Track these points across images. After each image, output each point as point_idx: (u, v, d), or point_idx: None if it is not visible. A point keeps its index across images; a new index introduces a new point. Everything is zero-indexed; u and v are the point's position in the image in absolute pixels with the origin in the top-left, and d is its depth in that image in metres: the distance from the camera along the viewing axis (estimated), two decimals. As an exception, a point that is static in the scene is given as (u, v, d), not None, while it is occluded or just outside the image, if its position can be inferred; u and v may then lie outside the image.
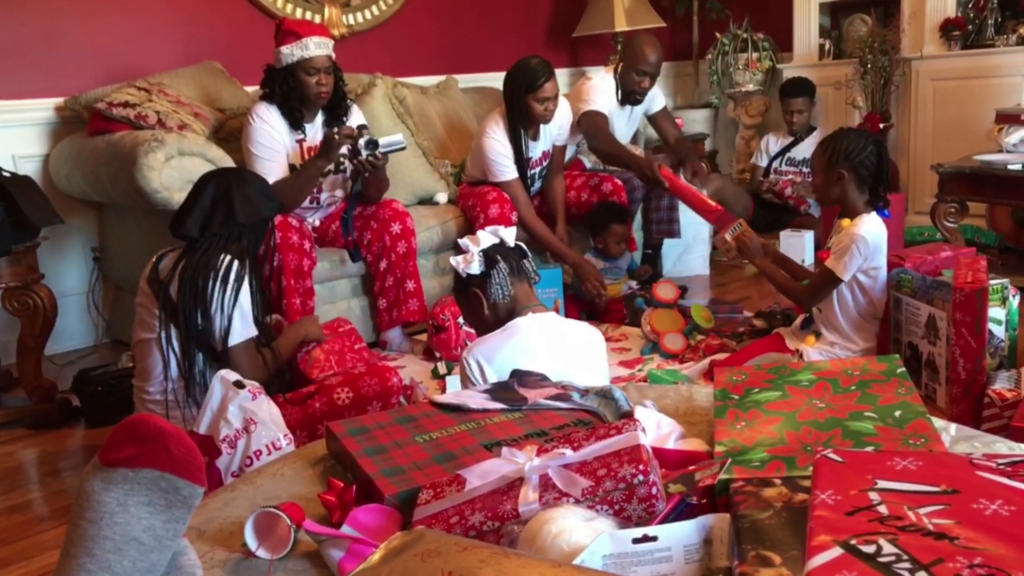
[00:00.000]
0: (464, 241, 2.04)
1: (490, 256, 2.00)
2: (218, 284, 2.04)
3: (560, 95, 3.54)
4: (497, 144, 3.48)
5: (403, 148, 3.03)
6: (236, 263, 2.09)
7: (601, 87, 3.79)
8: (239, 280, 2.08)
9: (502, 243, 2.04)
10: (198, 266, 2.04)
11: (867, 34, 4.79)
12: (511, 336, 1.94)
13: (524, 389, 1.46)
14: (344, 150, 2.96)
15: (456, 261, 2.01)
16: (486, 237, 2.03)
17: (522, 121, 3.47)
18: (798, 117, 4.64)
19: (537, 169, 3.68)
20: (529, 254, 2.11)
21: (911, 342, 2.51)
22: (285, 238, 2.84)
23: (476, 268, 1.99)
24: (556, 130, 3.64)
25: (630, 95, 3.83)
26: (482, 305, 2.02)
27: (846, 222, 2.52)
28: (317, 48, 2.97)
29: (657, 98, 4.03)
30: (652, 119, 4.10)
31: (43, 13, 3.44)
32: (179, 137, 2.88)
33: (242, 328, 2.10)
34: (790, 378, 1.32)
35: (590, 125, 3.70)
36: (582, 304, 3.46)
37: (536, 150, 3.60)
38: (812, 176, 2.56)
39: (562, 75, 5.32)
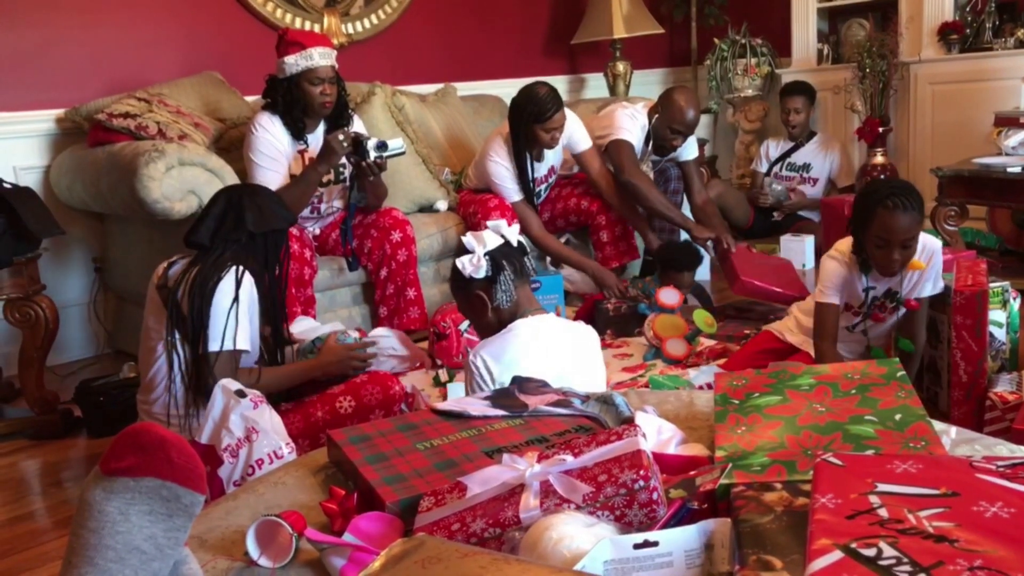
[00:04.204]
0: (469, 240, 2.00)
1: (496, 260, 1.98)
2: (221, 290, 2.03)
3: (567, 112, 3.47)
4: (501, 168, 3.49)
5: (403, 153, 3.06)
6: (244, 272, 2.08)
7: (635, 120, 3.66)
8: (241, 288, 2.07)
9: (506, 242, 2.03)
10: (208, 272, 2.04)
11: (865, 38, 4.80)
12: (515, 338, 1.95)
13: (525, 395, 1.46)
14: (343, 160, 2.97)
15: (462, 263, 1.98)
16: (491, 237, 2.00)
17: (527, 146, 3.46)
18: (795, 116, 4.62)
19: (543, 186, 3.68)
20: (528, 251, 2.10)
21: (912, 345, 2.51)
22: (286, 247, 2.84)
23: (482, 273, 1.98)
24: (563, 143, 3.58)
25: (659, 147, 3.72)
26: (486, 308, 2.01)
27: (920, 264, 2.35)
28: (321, 58, 2.98)
29: (688, 147, 3.83)
30: (680, 167, 3.88)
31: (43, 25, 3.45)
32: (179, 147, 2.89)
33: (229, 337, 2.03)
34: (790, 382, 1.32)
35: (621, 156, 3.55)
36: (579, 315, 3.47)
37: (541, 170, 3.60)
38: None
39: (561, 82, 5.35)
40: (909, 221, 2.21)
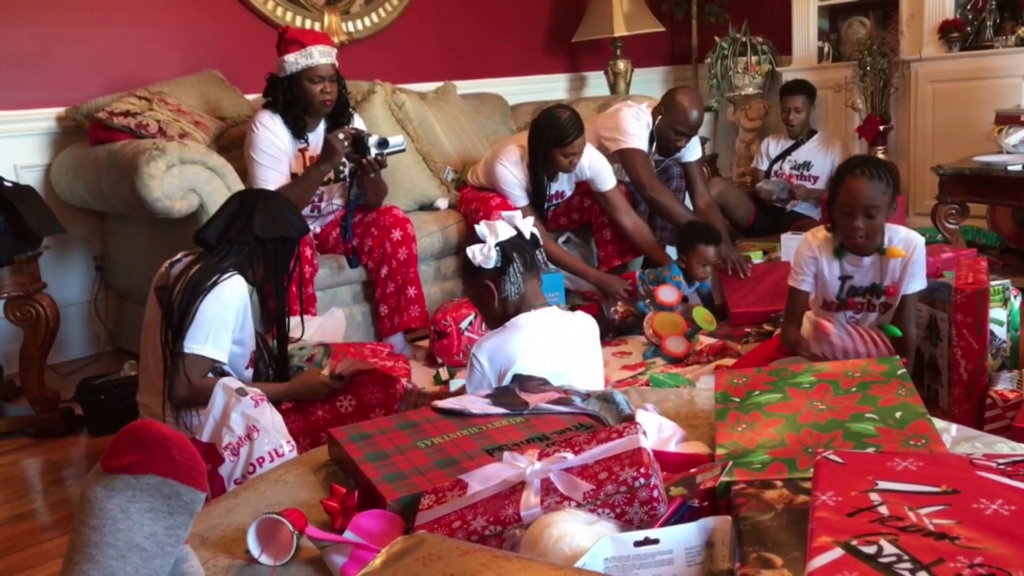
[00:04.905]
0: (482, 229, 2.01)
1: (506, 252, 1.99)
2: (213, 293, 2.00)
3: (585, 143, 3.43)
4: (510, 175, 3.47)
5: (403, 150, 3.06)
6: (240, 279, 2.07)
7: (640, 120, 3.65)
8: (233, 297, 2.04)
9: (519, 234, 2.03)
10: (206, 273, 2.03)
11: (866, 36, 4.79)
12: (518, 332, 1.96)
13: (525, 394, 1.46)
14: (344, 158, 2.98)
15: (472, 252, 1.99)
16: (504, 228, 2.01)
17: (544, 168, 3.44)
18: (795, 116, 4.61)
19: (553, 203, 3.67)
20: (541, 243, 2.11)
21: (913, 344, 2.51)
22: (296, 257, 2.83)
23: (492, 263, 1.98)
24: (579, 177, 3.58)
25: (663, 148, 3.72)
26: (493, 297, 2.03)
27: (900, 251, 2.36)
28: (322, 56, 2.98)
29: (692, 148, 3.82)
30: (683, 169, 3.87)
31: (44, 23, 3.45)
32: (180, 146, 2.89)
33: (202, 342, 2.00)
34: (791, 380, 1.32)
35: (640, 171, 3.54)
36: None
37: (553, 188, 3.60)
38: (877, 215, 2.31)
39: (561, 80, 5.35)
40: (873, 189, 2.26)
